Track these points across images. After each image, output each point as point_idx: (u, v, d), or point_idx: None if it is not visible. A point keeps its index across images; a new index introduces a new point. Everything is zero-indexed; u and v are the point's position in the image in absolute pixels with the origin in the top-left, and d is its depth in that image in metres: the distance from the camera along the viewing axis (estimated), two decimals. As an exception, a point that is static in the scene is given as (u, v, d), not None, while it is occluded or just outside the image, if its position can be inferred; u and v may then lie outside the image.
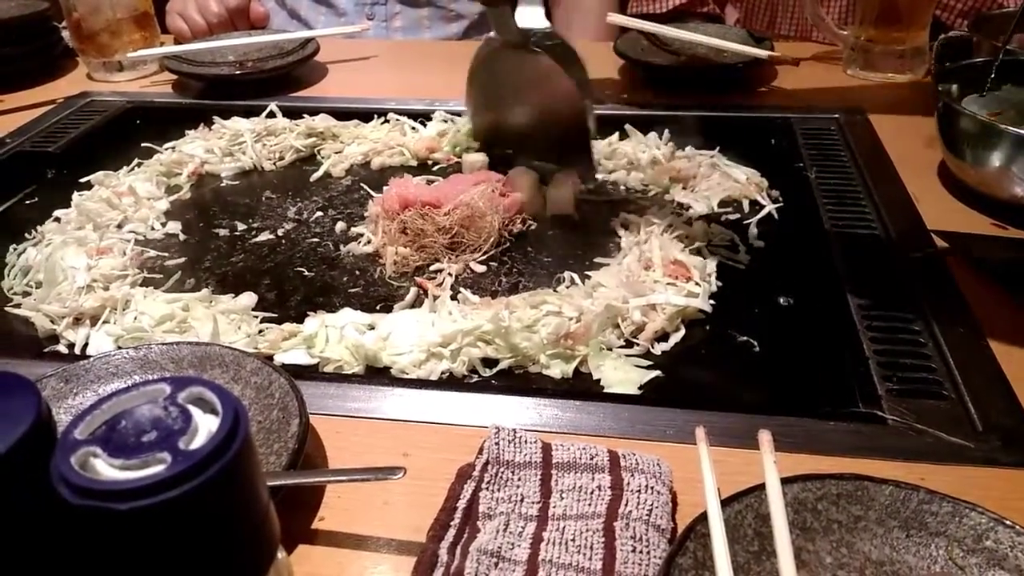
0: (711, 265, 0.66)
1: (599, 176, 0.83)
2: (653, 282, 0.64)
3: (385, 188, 0.80)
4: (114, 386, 0.51)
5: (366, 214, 0.79)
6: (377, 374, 0.58)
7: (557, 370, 0.57)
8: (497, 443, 0.45)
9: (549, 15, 1.40)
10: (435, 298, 0.65)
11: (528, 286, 0.68)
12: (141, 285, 0.69)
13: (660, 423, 0.50)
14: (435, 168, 0.90)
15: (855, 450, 0.47)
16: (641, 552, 0.39)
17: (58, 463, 0.25)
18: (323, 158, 0.92)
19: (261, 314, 0.64)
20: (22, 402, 0.28)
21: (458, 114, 0.95)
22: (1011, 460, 0.46)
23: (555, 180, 0.78)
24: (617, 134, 0.90)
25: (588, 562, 0.39)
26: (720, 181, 0.79)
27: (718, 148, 0.84)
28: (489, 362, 0.58)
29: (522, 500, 0.43)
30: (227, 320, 0.63)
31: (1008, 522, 0.38)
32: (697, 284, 0.63)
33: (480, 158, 0.85)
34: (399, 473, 0.42)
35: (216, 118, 0.98)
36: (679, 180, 0.81)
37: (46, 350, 0.63)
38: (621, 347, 0.59)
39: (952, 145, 0.72)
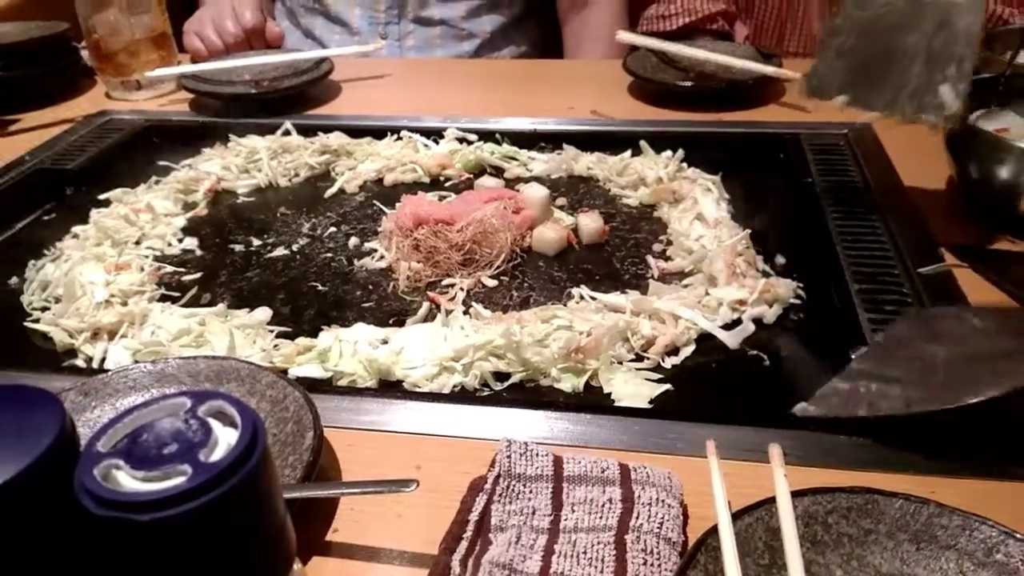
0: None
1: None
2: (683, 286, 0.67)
3: (398, 204, 0.81)
4: (132, 399, 0.52)
5: (379, 230, 0.80)
6: (390, 388, 0.59)
7: (568, 384, 0.58)
8: (509, 456, 0.46)
9: (559, 33, 1.43)
10: (447, 313, 0.65)
11: (539, 300, 0.68)
12: (158, 300, 0.70)
13: (671, 436, 0.50)
14: (447, 184, 0.91)
15: (865, 463, 0.47)
16: (652, 565, 0.40)
17: (82, 475, 0.26)
18: (337, 175, 0.93)
19: (276, 328, 0.65)
20: (47, 415, 0.28)
21: (470, 131, 0.97)
22: (1022, 474, 0.46)
23: (585, 213, 0.79)
24: (630, 151, 0.91)
25: (599, 575, 0.39)
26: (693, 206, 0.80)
27: (720, 174, 0.85)
28: (501, 376, 0.59)
29: (534, 513, 0.43)
30: (243, 334, 0.64)
31: (1019, 535, 0.38)
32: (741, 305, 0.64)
33: (492, 180, 0.86)
34: (412, 486, 0.43)
35: (232, 136, 0.99)
36: (675, 200, 0.82)
37: (64, 364, 0.64)
38: (631, 361, 0.60)
39: (960, 160, 0.72)
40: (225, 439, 0.27)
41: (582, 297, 0.67)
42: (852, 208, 0.75)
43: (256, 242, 0.81)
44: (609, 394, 0.57)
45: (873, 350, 0.53)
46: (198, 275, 0.75)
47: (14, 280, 0.75)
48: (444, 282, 0.71)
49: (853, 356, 0.57)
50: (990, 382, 0.46)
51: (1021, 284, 0.61)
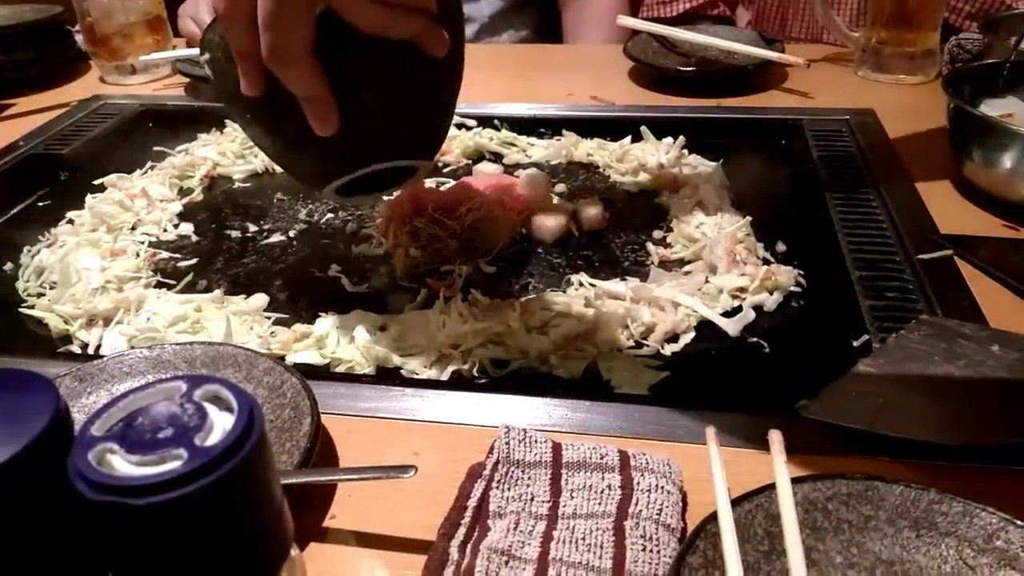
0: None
1: None
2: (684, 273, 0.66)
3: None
4: (127, 385, 0.52)
5: (376, 216, 0.79)
6: (388, 374, 0.58)
7: (567, 371, 0.57)
8: (507, 443, 0.46)
9: (559, 17, 1.42)
10: (446, 299, 0.65)
11: (538, 287, 0.68)
12: (154, 286, 0.70)
13: (670, 423, 0.50)
14: (445, 170, 0.91)
15: (865, 450, 0.47)
16: (651, 551, 0.39)
17: (76, 459, 0.25)
18: (334, 160, 0.92)
19: (273, 315, 0.65)
20: (41, 399, 0.28)
21: (469, 117, 0.96)
22: (1022, 461, 0.45)
23: (585, 200, 0.78)
24: (630, 137, 0.91)
25: (598, 561, 0.39)
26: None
27: (721, 160, 0.84)
28: (499, 363, 0.59)
29: (532, 499, 0.43)
30: (239, 321, 0.63)
31: (1019, 522, 0.38)
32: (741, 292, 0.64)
33: (491, 166, 0.86)
34: (410, 472, 0.42)
35: (228, 121, 0.98)
36: (676, 187, 0.81)
37: (60, 350, 0.63)
38: (631, 348, 0.59)
39: (963, 146, 0.72)
40: (221, 423, 0.27)
41: (581, 284, 0.67)
42: (853, 194, 0.75)
43: (252, 228, 0.80)
44: (608, 381, 0.57)
45: (885, 354, 0.53)
46: (194, 261, 0.75)
47: (9, 266, 0.75)
48: (442, 269, 0.70)
49: (856, 344, 0.57)
50: (1001, 425, 0.46)
51: (1016, 273, 0.61)
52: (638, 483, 0.43)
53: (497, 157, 0.92)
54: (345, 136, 0.51)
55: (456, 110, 0.95)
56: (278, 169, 0.92)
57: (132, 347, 0.60)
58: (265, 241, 0.78)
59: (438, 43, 0.52)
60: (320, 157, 0.55)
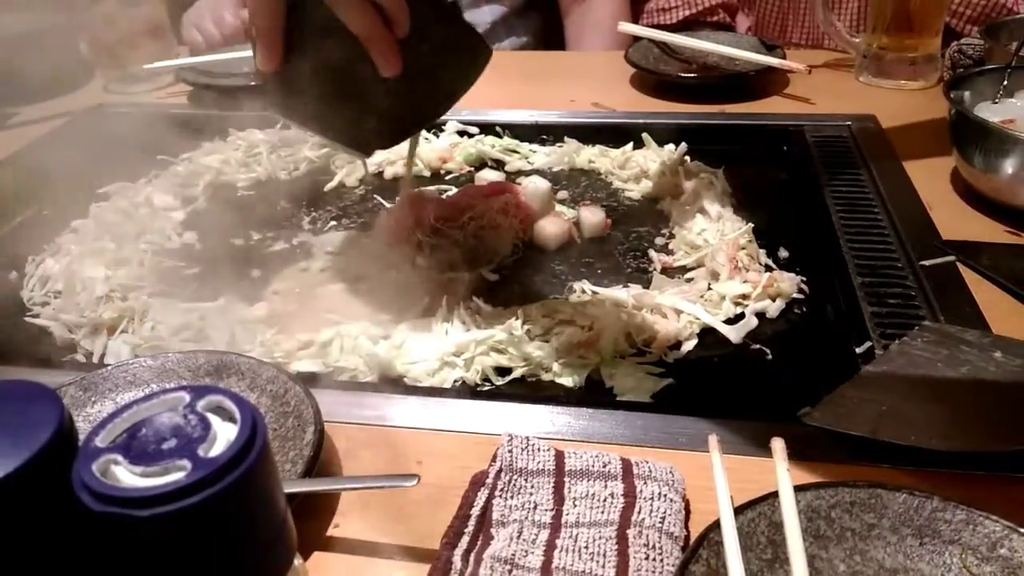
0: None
1: None
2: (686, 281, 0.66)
3: (398, 198, 0.80)
4: (132, 394, 0.52)
5: (380, 224, 0.79)
6: (391, 383, 0.58)
7: (570, 378, 0.58)
8: (510, 451, 0.46)
9: (561, 24, 1.42)
10: (448, 307, 0.65)
11: (540, 295, 0.68)
12: (158, 295, 0.70)
13: (673, 431, 0.50)
14: (448, 177, 0.91)
15: (868, 457, 0.47)
16: (654, 559, 0.39)
17: (80, 470, 0.25)
18: (337, 168, 0.93)
19: (276, 323, 0.65)
20: (45, 410, 0.28)
21: (471, 124, 0.96)
22: (1026, 468, 0.45)
23: (587, 207, 0.78)
24: (632, 143, 0.91)
25: (601, 569, 0.39)
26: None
27: (722, 167, 0.84)
28: (502, 371, 0.59)
29: (535, 507, 0.43)
30: (243, 329, 0.63)
31: (1023, 530, 0.38)
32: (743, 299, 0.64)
33: (493, 173, 0.86)
34: (413, 480, 0.42)
35: (231, 129, 0.99)
36: (677, 193, 0.81)
37: (64, 359, 0.63)
38: (633, 355, 0.60)
39: (965, 152, 0.72)
40: (224, 434, 0.27)
41: (584, 291, 0.67)
42: (855, 201, 0.75)
43: (256, 236, 0.80)
44: (611, 388, 0.57)
45: (887, 361, 0.52)
46: (198, 269, 0.75)
47: (14, 275, 0.75)
48: (445, 276, 0.71)
49: (858, 351, 0.57)
50: (1004, 432, 0.46)
51: (1018, 278, 0.61)
52: (641, 491, 0.43)
53: (499, 164, 0.92)
54: (282, 82, 0.56)
55: (458, 117, 0.97)
56: (281, 176, 0.92)
57: (136, 356, 0.60)
58: (269, 249, 0.78)
59: (384, 59, 0.53)
60: (265, 85, 0.59)
